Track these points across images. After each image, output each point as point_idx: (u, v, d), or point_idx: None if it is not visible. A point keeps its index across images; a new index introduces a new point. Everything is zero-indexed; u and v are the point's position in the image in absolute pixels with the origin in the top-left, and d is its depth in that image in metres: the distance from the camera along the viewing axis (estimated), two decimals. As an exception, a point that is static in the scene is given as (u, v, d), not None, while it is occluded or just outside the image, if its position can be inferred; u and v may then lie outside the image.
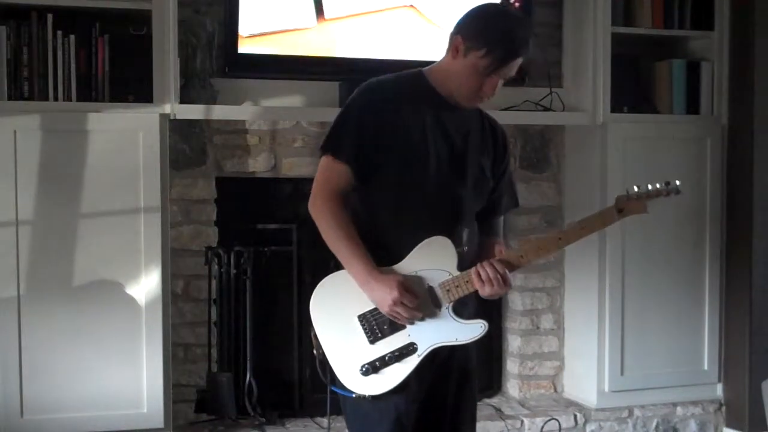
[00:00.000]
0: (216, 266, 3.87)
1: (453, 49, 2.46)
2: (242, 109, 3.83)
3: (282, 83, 3.90)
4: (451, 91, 2.48)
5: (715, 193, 4.32)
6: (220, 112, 3.75)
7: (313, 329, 2.48)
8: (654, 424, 4.31)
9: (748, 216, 4.24)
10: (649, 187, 2.48)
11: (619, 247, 4.16)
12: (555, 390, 4.46)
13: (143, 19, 3.55)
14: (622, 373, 4.20)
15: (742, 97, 4.26)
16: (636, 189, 2.48)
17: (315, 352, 2.48)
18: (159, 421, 3.58)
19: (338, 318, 2.45)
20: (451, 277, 2.43)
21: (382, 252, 2.44)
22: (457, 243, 2.46)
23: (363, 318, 2.44)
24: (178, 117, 3.61)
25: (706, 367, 4.35)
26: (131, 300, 3.56)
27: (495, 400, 4.37)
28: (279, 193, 4.10)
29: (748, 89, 4.23)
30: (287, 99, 3.91)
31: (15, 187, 3.45)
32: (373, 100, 2.48)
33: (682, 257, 4.29)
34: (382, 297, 2.38)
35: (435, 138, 2.47)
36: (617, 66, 4.13)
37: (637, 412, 4.28)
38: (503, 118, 4.12)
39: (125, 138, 3.54)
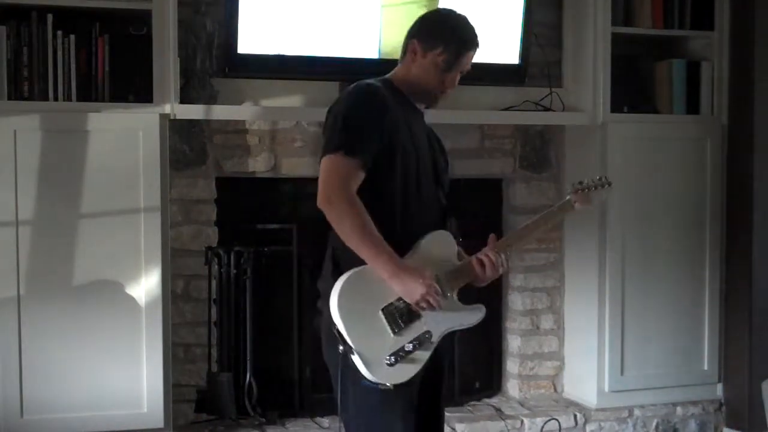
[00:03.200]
0: (216, 266, 3.87)
1: (410, 53, 2.68)
2: (242, 109, 3.83)
3: (282, 83, 3.90)
4: (414, 94, 2.69)
5: (715, 193, 4.32)
6: (220, 112, 3.75)
7: (336, 326, 2.50)
8: (654, 424, 4.31)
9: (748, 216, 4.24)
10: (588, 180, 2.76)
11: (619, 247, 4.16)
12: (555, 390, 4.46)
13: (143, 19, 3.55)
14: (622, 373, 4.20)
15: (742, 97, 4.26)
16: (580, 183, 2.76)
17: (340, 347, 2.49)
18: (159, 421, 3.58)
19: (364, 313, 2.51)
20: (454, 267, 2.61)
21: (391, 246, 2.51)
22: (454, 235, 2.66)
23: (386, 311, 2.52)
24: (178, 117, 3.61)
25: (706, 367, 4.35)
26: (131, 300, 3.56)
27: (495, 400, 4.37)
28: (279, 193, 4.10)
29: (748, 89, 4.23)
30: (287, 99, 3.91)
31: (15, 187, 3.45)
32: (375, 99, 2.59)
33: (682, 257, 4.29)
34: (414, 288, 2.48)
35: (415, 137, 2.65)
36: (617, 66, 4.13)
37: (637, 412, 4.28)
38: (503, 118, 4.17)
39: (125, 138, 3.54)
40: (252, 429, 3.83)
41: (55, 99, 3.49)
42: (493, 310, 4.44)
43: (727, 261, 4.36)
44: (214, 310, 3.89)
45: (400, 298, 2.52)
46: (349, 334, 2.48)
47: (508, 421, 4.10)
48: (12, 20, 3.45)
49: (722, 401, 4.40)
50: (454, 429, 4.02)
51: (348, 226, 2.49)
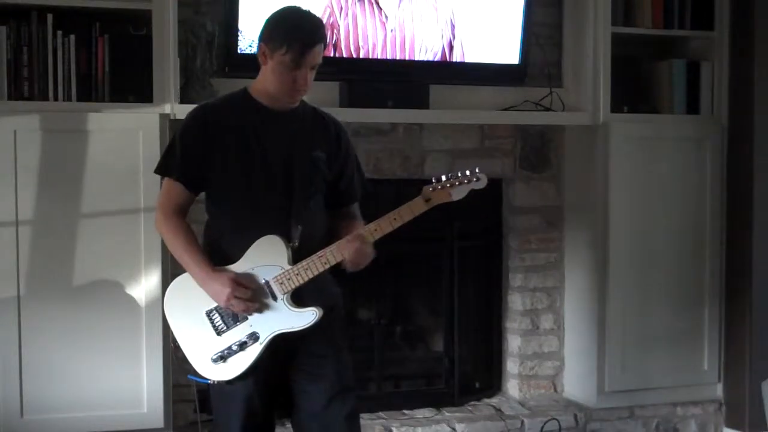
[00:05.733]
0: (216, 266, 3.86)
1: (261, 56, 2.74)
2: (242, 109, 3.83)
3: (282, 83, 3.89)
4: (271, 95, 2.75)
5: (715, 193, 4.32)
6: (220, 112, 3.74)
7: (169, 327, 2.80)
8: (654, 424, 4.31)
9: (748, 216, 4.24)
10: (452, 176, 2.70)
11: (619, 247, 4.16)
12: (555, 390, 4.45)
13: (143, 19, 3.55)
14: (622, 373, 4.20)
15: (742, 97, 4.26)
16: (443, 178, 2.69)
17: (172, 345, 2.82)
18: (159, 421, 3.58)
19: (188, 314, 2.76)
20: (283, 270, 2.68)
21: (221, 255, 2.73)
22: (288, 239, 2.70)
23: (209, 313, 2.74)
24: (178, 117, 3.60)
25: (706, 367, 4.35)
26: (131, 300, 3.56)
27: (495, 400, 4.37)
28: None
29: (748, 89, 4.23)
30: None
31: (15, 187, 3.45)
32: (194, 123, 2.78)
33: (682, 257, 4.29)
34: (218, 293, 2.68)
35: (259, 144, 2.73)
36: (617, 66, 4.13)
37: (637, 412, 4.28)
38: (503, 118, 4.17)
39: (125, 138, 3.53)
40: (252, 429, 3.82)
41: (55, 99, 3.48)
42: (493, 310, 4.46)
43: (727, 261, 4.36)
44: (214, 310, 3.88)
45: None
46: (176, 333, 2.78)
47: (508, 421, 4.10)
48: (12, 20, 3.45)
49: (722, 401, 4.40)
50: (454, 429, 4.02)
51: (166, 240, 2.79)
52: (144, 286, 3.56)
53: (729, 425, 4.37)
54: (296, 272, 2.67)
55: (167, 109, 3.56)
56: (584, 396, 4.29)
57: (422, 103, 3.97)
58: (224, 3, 3.75)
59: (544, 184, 4.38)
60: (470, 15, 4.01)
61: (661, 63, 4.29)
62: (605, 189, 4.14)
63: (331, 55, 3.85)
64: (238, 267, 2.71)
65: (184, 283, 2.78)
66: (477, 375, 4.43)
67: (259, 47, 2.74)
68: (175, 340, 2.78)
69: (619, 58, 4.14)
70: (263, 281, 2.69)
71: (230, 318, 2.72)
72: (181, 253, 2.74)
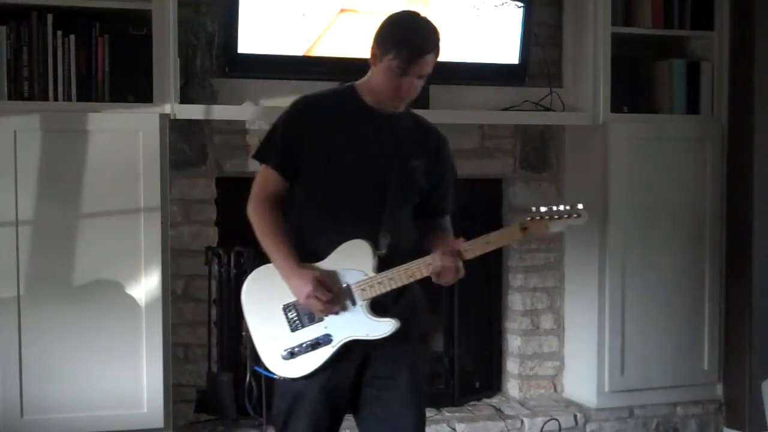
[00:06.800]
0: (216, 266, 3.87)
1: (372, 57, 2.69)
2: (242, 109, 3.83)
3: (282, 83, 3.89)
4: (377, 96, 2.69)
5: (715, 193, 4.32)
6: (220, 112, 3.75)
7: (243, 314, 2.75)
8: (654, 424, 4.31)
9: (748, 216, 4.24)
10: (553, 208, 2.62)
11: (619, 247, 4.16)
12: (555, 390, 4.46)
13: (143, 19, 3.55)
14: (622, 373, 4.20)
15: (742, 97, 4.26)
16: (542, 209, 2.62)
17: (244, 333, 2.79)
18: (159, 421, 3.58)
19: (265, 306, 2.71)
20: (366, 277, 2.62)
21: (306, 251, 2.67)
22: (376, 247, 2.64)
23: (286, 308, 2.68)
24: (178, 117, 3.61)
25: (706, 367, 4.35)
26: (131, 300, 3.56)
27: (495, 400, 4.37)
28: (279, 193, 4.08)
29: (748, 89, 4.23)
30: (287, 99, 3.88)
31: (15, 187, 3.45)
32: (297, 112, 2.74)
33: (682, 257, 4.29)
34: (299, 289, 2.62)
35: (358, 144, 2.67)
36: (617, 66, 4.13)
37: (637, 412, 4.28)
38: (503, 118, 4.17)
39: (125, 138, 3.54)
40: (252, 429, 3.82)
41: (55, 99, 3.49)
42: (493, 310, 4.46)
43: (727, 261, 4.36)
44: (214, 310, 3.89)
45: None
46: (249, 323, 2.73)
47: (508, 421, 4.10)
48: (12, 20, 3.45)
49: (722, 401, 4.40)
50: (454, 429, 4.02)
51: (256, 227, 2.72)
52: (144, 286, 3.56)
53: (729, 425, 4.37)
54: (379, 281, 2.61)
55: (167, 109, 3.56)
56: (584, 396, 4.29)
57: (422, 103, 3.96)
58: (224, 3, 3.75)
59: (544, 184, 4.38)
60: (470, 14, 4.01)
61: (661, 63, 4.29)
62: (605, 189, 4.14)
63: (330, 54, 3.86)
64: (323, 266, 2.65)
65: (265, 273, 2.72)
66: (477, 375, 4.44)
67: (371, 48, 2.68)
68: (247, 329, 2.73)
69: (619, 58, 4.14)
70: (345, 285, 2.63)
71: (306, 316, 2.66)
72: (268, 242, 2.69)
